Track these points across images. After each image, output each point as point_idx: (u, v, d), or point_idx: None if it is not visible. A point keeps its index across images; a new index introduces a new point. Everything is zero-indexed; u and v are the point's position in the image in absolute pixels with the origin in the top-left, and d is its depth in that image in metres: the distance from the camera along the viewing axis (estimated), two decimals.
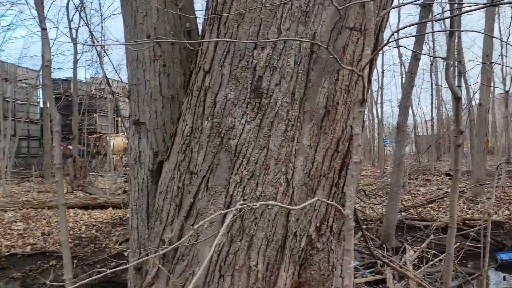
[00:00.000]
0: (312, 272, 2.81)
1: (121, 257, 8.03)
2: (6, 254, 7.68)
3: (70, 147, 21.63)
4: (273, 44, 2.51)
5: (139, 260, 2.84)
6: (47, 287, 6.42)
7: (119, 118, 25.82)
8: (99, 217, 9.89)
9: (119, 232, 8.91)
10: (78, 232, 8.55)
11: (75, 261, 7.53)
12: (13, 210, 10.43)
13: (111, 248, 8.29)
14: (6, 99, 19.88)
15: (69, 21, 16.52)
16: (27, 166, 23.06)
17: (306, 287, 2.82)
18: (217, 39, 2.53)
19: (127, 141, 22.59)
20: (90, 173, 19.48)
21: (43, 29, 2.82)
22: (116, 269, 2.21)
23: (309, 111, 2.61)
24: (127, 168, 20.58)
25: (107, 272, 2.10)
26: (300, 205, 1.66)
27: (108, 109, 21.36)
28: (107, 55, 28.92)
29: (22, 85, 25.61)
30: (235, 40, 2.35)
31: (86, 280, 2.06)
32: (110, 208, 10.78)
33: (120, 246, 8.27)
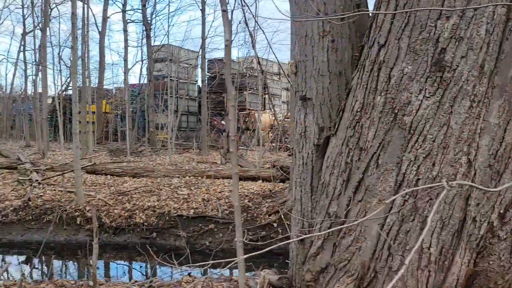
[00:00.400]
0: (491, 262, 2.59)
1: (271, 227, 8.47)
2: (174, 215, 8.72)
3: (223, 122, 23.40)
4: (461, 13, 2.30)
5: (309, 235, 2.95)
6: (214, 250, 7.11)
7: (267, 96, 26.88)
8: (250, 188, 10.50)
9: (268, 203, 9.36)
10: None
11: (230, 226, 8.18)
12: (178, 177, 11.72)
13: (261, 218, 8.78)
14: (171, 78, 22.26)
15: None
16: (187, 139, 25.66)
17: (482, 277, 2.62)
18: (396, 12, 2.42)
19: (273, 118, 23.46)
20: (240, 147, 20.78)
21: (224, 11, 3.04)
22: (298, 238, 2.33)
23: (500, 86, 2.36)
24: (273, 144, 21.44)
25: (282, 244, 2.23)
26: (499, 187, 1.51)
27: (258, 86, 22.40)
28: (263, 32, 30.09)
29: (184, 65, 28.35)
30: (420, 9, 2.21)
31: (258, 252, 2.20)
32: (260, 181, 11.37)
33: (270, 217, 8.70)
